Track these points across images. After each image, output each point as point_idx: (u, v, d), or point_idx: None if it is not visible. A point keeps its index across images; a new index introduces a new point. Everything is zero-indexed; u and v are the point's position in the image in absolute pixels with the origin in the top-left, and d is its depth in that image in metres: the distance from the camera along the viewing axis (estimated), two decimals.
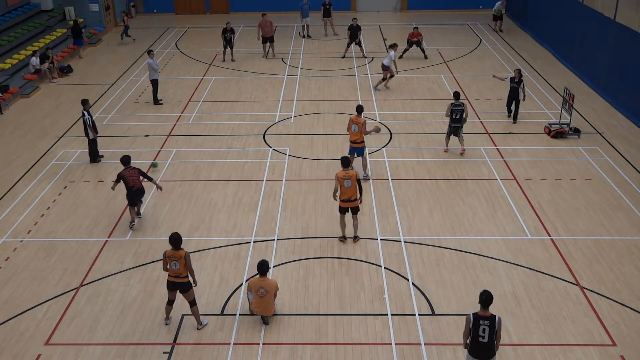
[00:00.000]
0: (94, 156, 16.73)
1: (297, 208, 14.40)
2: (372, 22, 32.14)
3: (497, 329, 8.66)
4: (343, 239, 13.04)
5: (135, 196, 13.61)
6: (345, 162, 12.77)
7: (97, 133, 16.63)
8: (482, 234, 13.33)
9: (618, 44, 20.27)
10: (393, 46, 21.59)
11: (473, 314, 8.76)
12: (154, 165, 16.04)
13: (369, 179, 15.36)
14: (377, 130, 15.12)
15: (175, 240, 10.27)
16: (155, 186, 13.88)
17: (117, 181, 13.59)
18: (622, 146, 17.34)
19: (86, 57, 26.76)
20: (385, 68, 21.54)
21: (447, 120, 16.63)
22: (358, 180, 12.60)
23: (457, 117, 16.27)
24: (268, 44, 25.88)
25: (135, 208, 13.78)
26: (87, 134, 16.46)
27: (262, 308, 10.56)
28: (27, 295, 11.55)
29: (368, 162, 15.80)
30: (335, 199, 12.99)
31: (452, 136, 16.79)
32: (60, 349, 10.30)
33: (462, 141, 16.73)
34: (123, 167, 13.68)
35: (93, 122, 16.47)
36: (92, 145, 16.65)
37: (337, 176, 12.66)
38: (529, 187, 15.15)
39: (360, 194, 12.74)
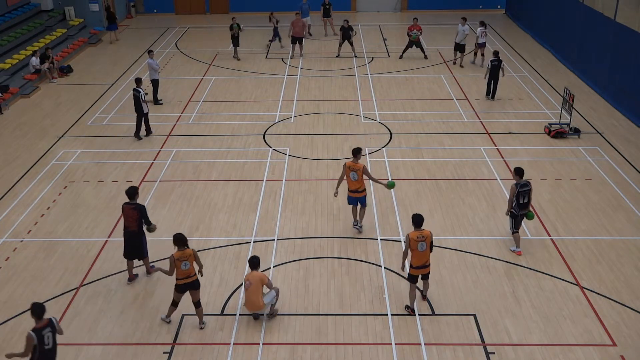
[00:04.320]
0: (148, 130, 18.21)
1: (297, 208, 14.40)
2: (372, 22, 32.14)
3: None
4: (412, 311, 10.92)
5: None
6: (419, 221, 10.51)
7: (148, 108, 18.03)
8: (482, 234, 13.32)
9: (618, 44, 20.27)
10: (482, 23, 23.82)
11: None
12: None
13: (361, 232, 13.34)
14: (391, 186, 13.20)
15: (181, 239, 10.24)
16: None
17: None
18: (622, 146, 17.33)
19: (86, 57, 26.72)
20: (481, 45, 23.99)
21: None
22: (431, 242, 10.57)
23: (525, 201, 12.32)
24: (297, 45, 25.92)
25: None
26: (139, 110, 17.75)
27: (250, 303, 10.47)
28: (27, 295, 11.53)
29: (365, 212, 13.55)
30: (404, 267, 11.05)
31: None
32: (60, 349, 10.25)
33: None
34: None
35: (145, 97, 17.86)
36: (145, 119, 18.00)
37: (408, 238, 10.40)
38: None
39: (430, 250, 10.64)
